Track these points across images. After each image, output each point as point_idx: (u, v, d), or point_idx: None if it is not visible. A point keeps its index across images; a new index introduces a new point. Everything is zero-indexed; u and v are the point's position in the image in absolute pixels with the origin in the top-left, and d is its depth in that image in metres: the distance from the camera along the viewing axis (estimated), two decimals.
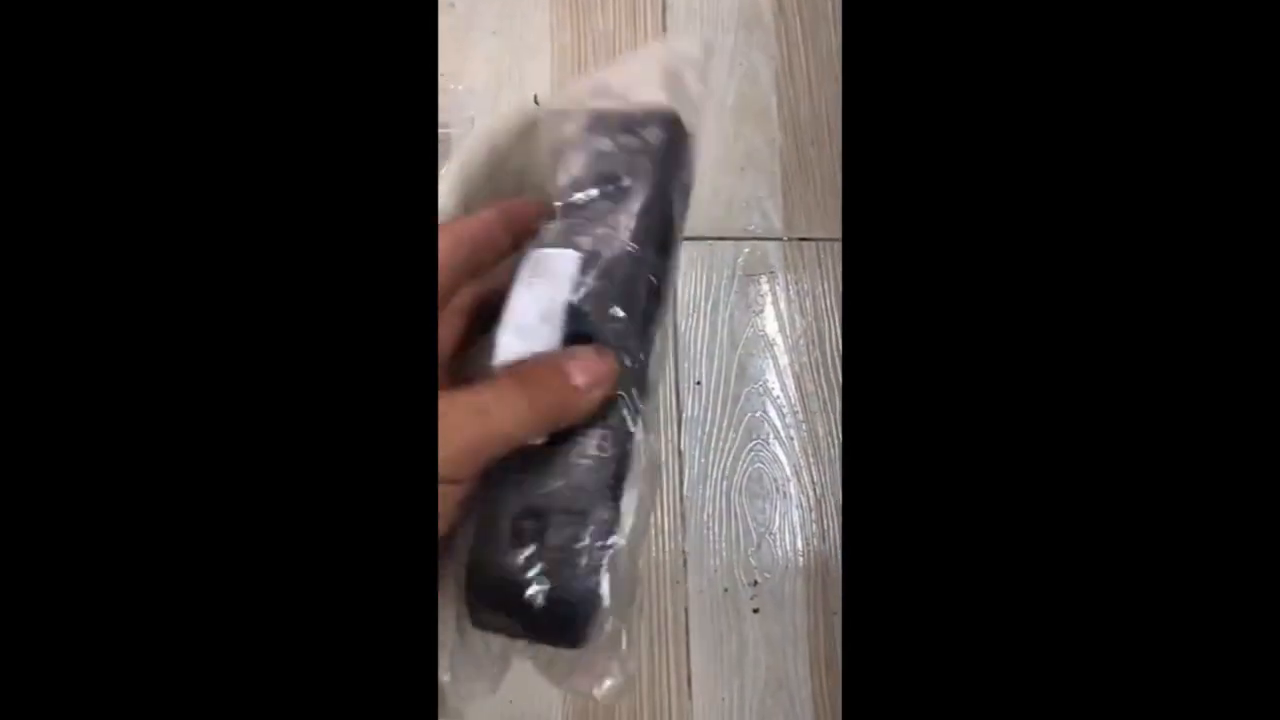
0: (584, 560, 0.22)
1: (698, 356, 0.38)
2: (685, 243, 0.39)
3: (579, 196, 0.25)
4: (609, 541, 0.22)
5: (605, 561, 0.22)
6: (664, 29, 0.40)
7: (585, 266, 0.24)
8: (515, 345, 0.23)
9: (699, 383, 0.38)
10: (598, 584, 0.22)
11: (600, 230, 0.24)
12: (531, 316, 0.23)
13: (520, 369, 0.23)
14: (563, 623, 0.22)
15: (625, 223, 0.25)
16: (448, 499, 0.22)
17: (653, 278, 0.25)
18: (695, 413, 0.37)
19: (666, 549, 0.36)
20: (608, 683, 0.23)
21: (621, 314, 0.24)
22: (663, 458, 0.37)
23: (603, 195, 0.25)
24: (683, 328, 0.38)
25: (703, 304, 0.38)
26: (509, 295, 0.24)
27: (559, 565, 0.21)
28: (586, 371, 0.23)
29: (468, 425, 0.21)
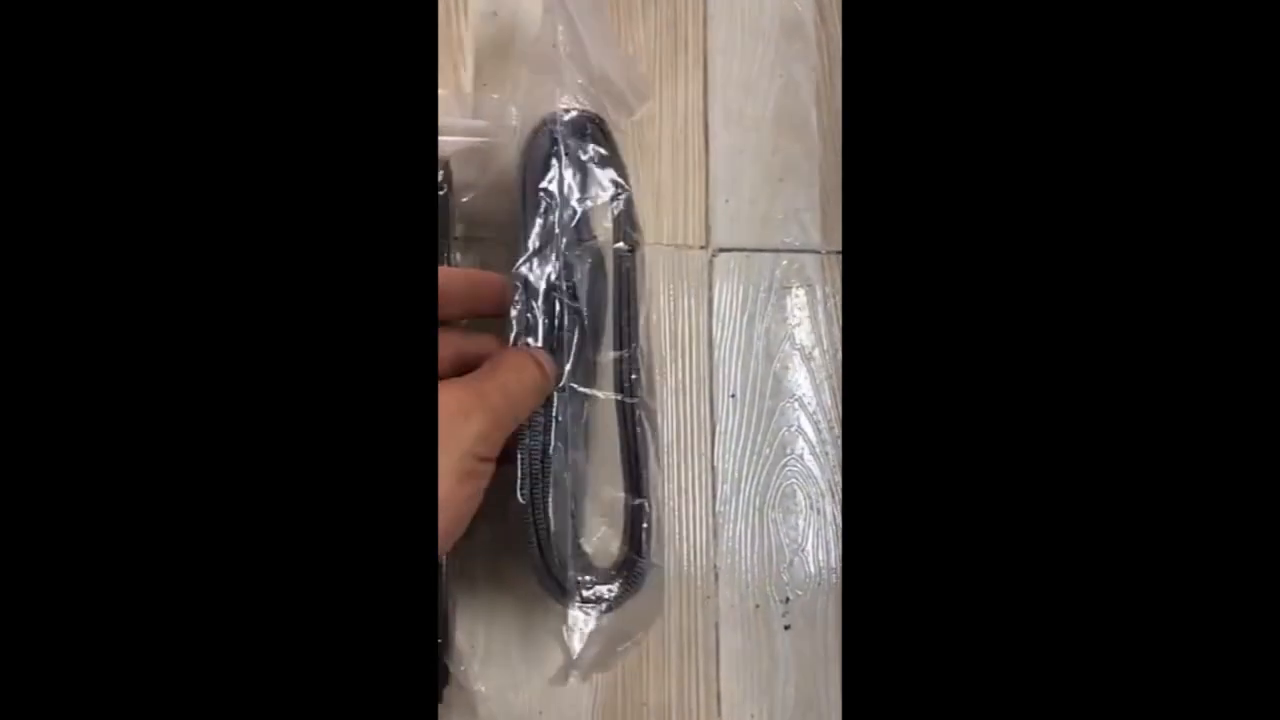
0: None
1: (732, 369, 0.37)
2: (722, 254, 0.38)
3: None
4: None
5: None
6: (704, 38, 0.40)
7: None
8: None
9: (733, 395, 0.37)
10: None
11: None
12: None
13: (506, 353, 0.26)
14: None
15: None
16: (486, 476, 0.25)
17: None
18: (729, 426, 0.37)
19: (698, 563, 0.36)
20: None
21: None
22: (694, 471, 0.36)
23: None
24: (718, 340, 0.38)
25: (738, 316, 0.38)
26: None
27: None
28: (540, 357, 0.27)
29: (494, 399, 0.24)
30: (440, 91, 0.35)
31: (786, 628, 0.36)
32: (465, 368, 0.27)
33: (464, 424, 0.23)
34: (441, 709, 0.30)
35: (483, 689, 0.31)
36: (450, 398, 0.23)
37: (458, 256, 0.35)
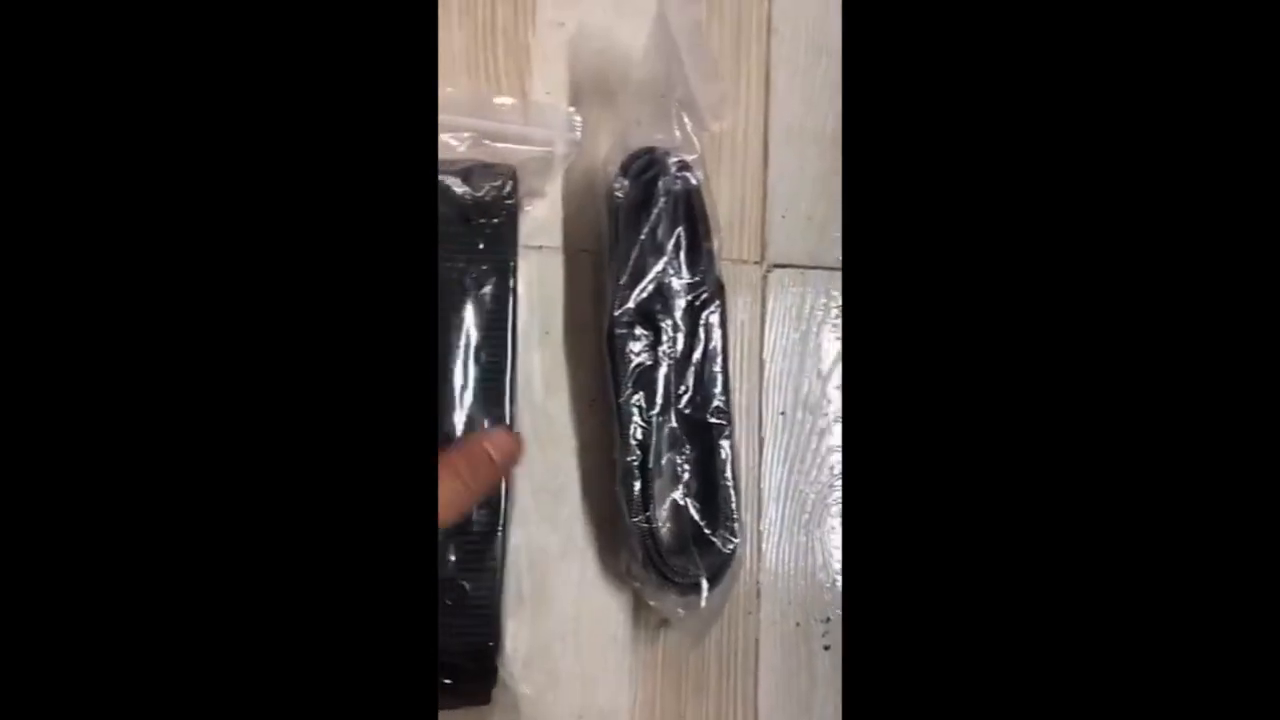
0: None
1: (784, 386, 0.37)
2: (777, 269, 0.38)
3: None
4: None
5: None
6: (768, 51, 0.40)
7: None
8: None
9: (783, 413, 0.37)
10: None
11: None
12: None
13: (447, 456, 0.26)
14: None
15: None
16: None
17: None
18: (777, 443, 0.37)
19: (740, 579, 0.36)
20: None
21: None
22: (741, 486, 0.37)
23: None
24: (768, 357, 0.38)
25: (791, 333, 0.38)
26: None
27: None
28: (499, 449, 0.27)
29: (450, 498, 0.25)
30: (507, 100, 0.35)
31: (826, 647, 0.36)
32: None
33: None
34: (487, 709, 0.30)
35: (527, 691, 0.32)
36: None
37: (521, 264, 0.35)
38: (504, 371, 0.30)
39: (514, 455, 0.28)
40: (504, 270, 0.30)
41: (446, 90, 0.35)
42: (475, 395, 0.29)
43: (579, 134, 0.34)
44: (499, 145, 0.34)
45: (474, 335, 0.30)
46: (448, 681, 0.28)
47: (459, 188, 0.31)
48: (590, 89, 0.37)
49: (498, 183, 0.31)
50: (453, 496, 0.26)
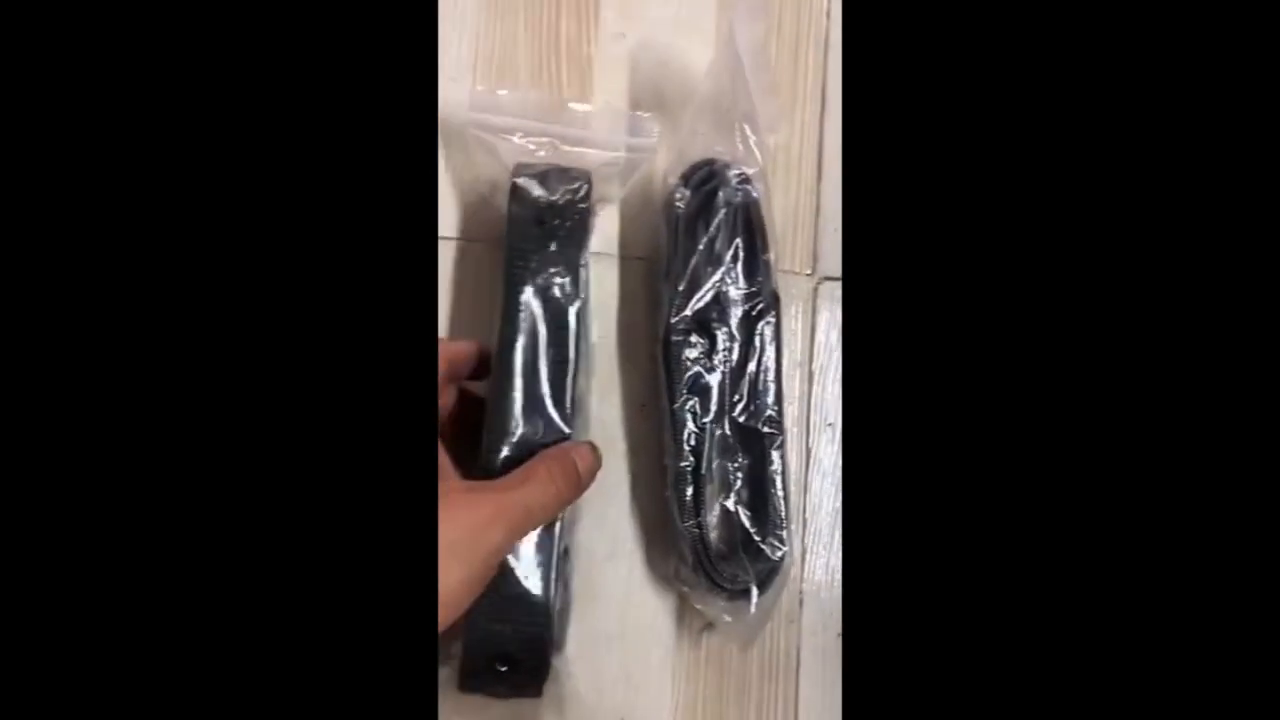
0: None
1: (832, 398, 0.38)
2: (827, 282, 0.39)
3: None
4: None
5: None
6: (825, 65, 0.40)
7: None
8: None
9: (830, 424, 0.38)
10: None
11: None
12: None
13: (538, 465, 0.28)
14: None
15: None
16: (493, 571, 0.27)
17: None
18: (824, 454, 0.37)
19: (785, 587, 0.36)
20: None
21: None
22: (785, 495, 0.37)
23: None
24: (818, 368, 0.38)
25: (837, 346, 0.38)
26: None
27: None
28: (584, 461, 0.29)
29: (515, 514, 0.27)
30: (584, 106, 0.36)
31: None
32: (456, 375, 0.31)
33: (485, 535, 0.25)
34: (537, 702, 0.31)
35: (578, 688, 0.32)
36: (477, 512, 0.26)
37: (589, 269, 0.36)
38: (567, 373, 0.30)
39: (595, 470, 0.30)
40: (574, 271, 0.31)
41: (530, 95, 0.37)
42: (541, 393, 0.30)
43: (655, 139, 0.35)
44: (574, 150, 0.34)
45: (542, 333, 0.30)
46: (503, 669, 0.28)
47: (536, 190, 0.32)
48: (649, 100, 0.38)
49: (574, 186, 0.32)
50: (548, 501, 0.28)
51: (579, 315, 0.31)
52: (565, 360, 0.30)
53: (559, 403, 0.30)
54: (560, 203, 0.32)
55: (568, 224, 0.31)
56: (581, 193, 0.32)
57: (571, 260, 0.31)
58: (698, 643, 0.35)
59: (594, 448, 0.31)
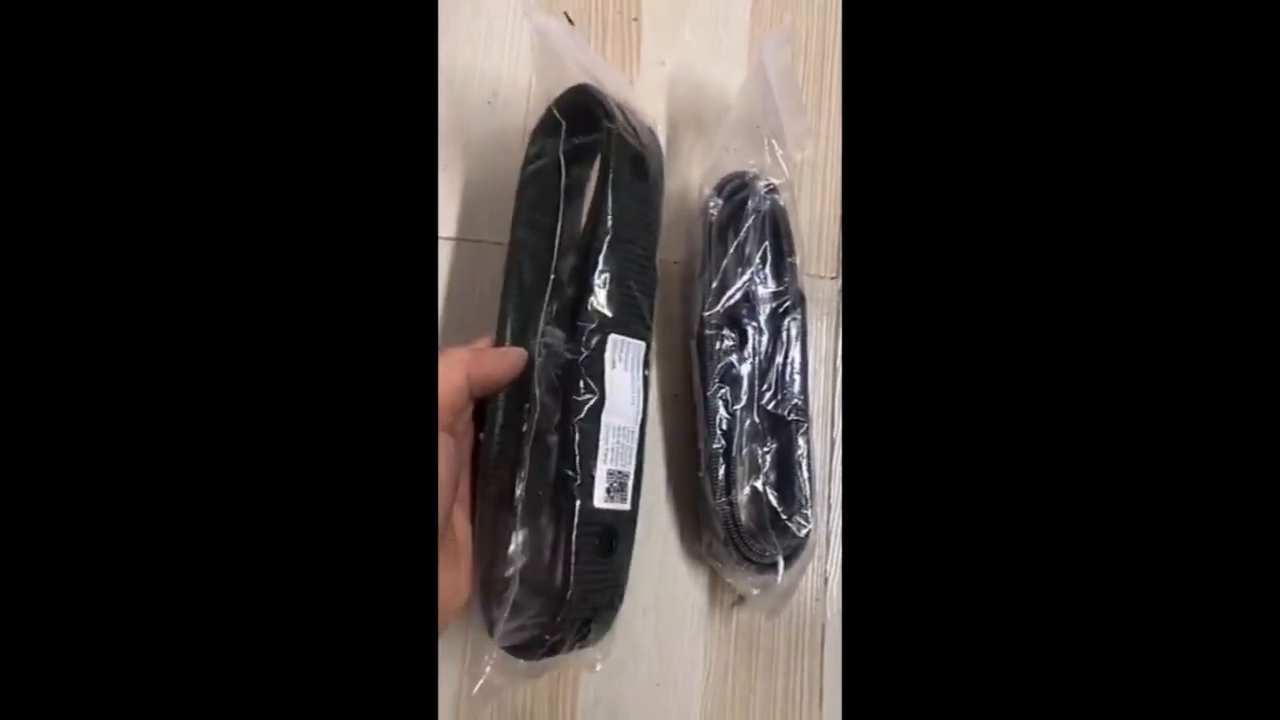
0: None
1: None
2: None
3: None
4: None
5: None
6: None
7: None
8: None
9: None
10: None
11: None
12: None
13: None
14: None
15: None
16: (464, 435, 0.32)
17: None
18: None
19: (812, 566, 0.39)
20: None
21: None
22: (818, 482, 0.40)
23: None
24: (841, 364, 0.41)
25: None
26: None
27: None
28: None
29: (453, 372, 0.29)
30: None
31: None
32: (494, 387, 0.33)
33: (446, 371, 0.29)
34: (585, 659, 0.34)
35: (618, 656, 0.35)
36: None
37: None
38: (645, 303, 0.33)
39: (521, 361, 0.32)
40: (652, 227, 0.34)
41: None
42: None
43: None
44: None
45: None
46: (586, 632, 0.31)
47: (632, 140, 0.33)
48: (686, 119, 0.42)
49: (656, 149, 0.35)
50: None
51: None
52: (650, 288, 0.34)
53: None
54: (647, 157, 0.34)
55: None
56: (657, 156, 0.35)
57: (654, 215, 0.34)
58: (728, 617, 0.38)
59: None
